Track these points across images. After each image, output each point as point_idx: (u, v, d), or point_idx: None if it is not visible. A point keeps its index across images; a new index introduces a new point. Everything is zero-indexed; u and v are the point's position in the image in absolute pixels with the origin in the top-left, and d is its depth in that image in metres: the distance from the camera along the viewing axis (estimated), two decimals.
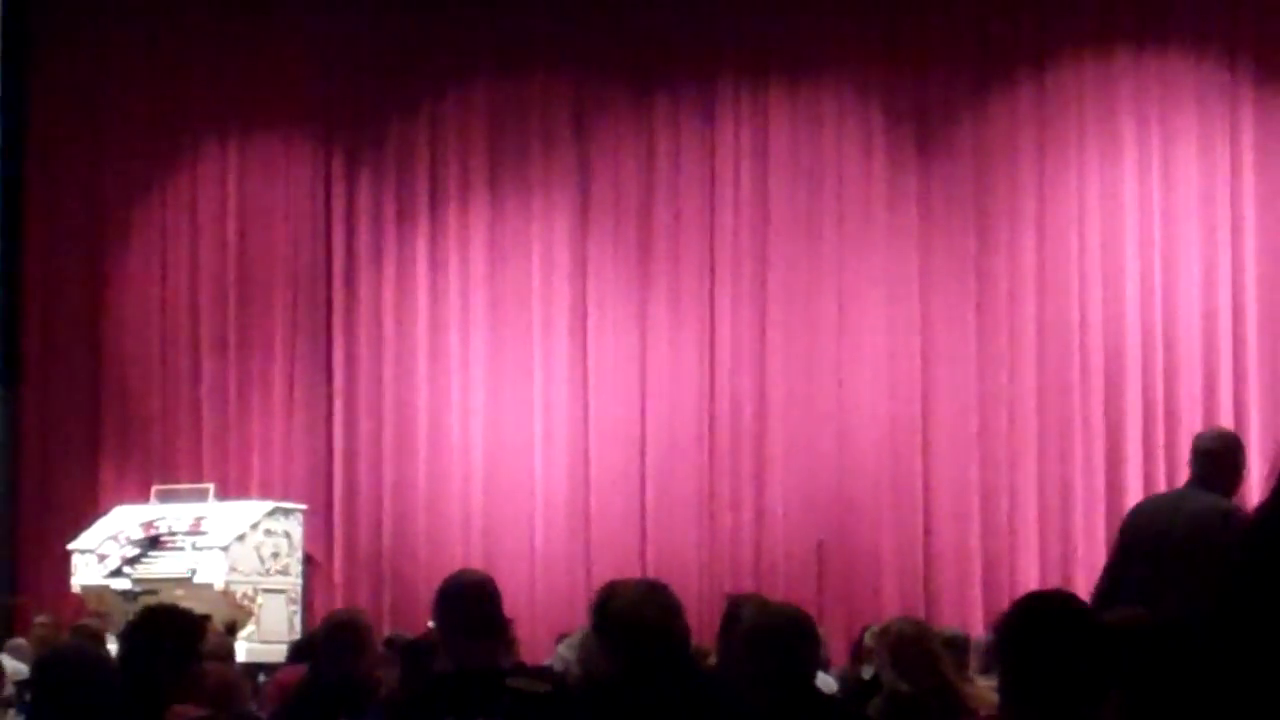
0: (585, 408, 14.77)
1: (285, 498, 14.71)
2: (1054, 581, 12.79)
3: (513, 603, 7.56)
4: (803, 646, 4.80)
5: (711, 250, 14.68)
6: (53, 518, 15.37)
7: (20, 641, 11.38)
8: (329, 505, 15.16)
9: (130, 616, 6.65)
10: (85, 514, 14.92)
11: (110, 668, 5.41)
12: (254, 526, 14.03)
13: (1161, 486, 13.05)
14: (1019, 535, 13.78)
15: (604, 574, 11.60)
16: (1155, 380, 13.65)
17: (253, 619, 13.68)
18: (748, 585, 13.15)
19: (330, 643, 6.55)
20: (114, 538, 14.16)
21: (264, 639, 13.42)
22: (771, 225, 14.53)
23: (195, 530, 14.03)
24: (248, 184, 15.69)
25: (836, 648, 11.98)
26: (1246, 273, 13.59)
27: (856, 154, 14.48)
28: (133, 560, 14.02)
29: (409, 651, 7.23)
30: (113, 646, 7.91)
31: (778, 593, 12.33)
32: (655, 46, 14.95)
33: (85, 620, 11.29)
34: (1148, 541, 6.58)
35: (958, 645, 8.32)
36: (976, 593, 13.71)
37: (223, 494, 14.72)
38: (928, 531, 13.96)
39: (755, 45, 14.70)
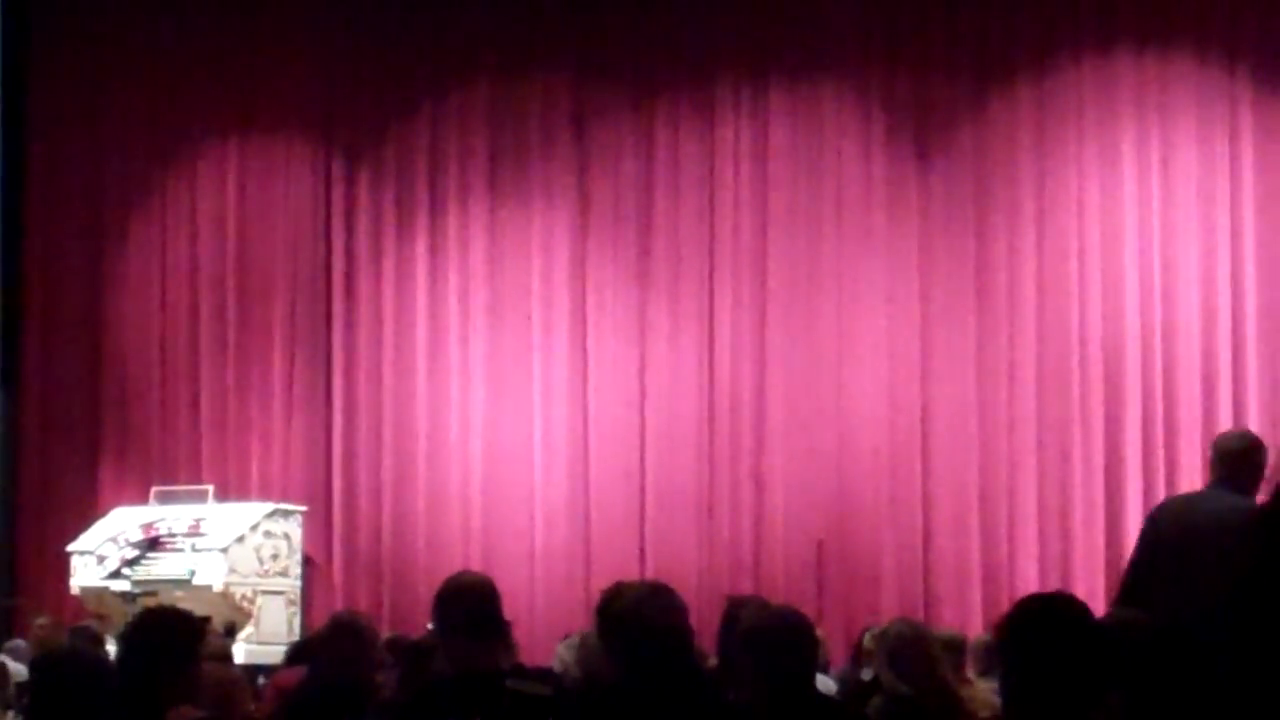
0: (585, 408, 14.76)
1: (285, 499, 14.70)
2: (1053, 583, 12.79)
3: (512, 604, 7.53)
4: (802, 648, 4.81)
5: (711, 251, 14.67)
6: (52, 519, 15.35)
7: (20, 643, 11.35)
8: (328, 507, 15.15)
9: (129, 618, 6.65)
10: (84, 515, 14.90)
11: (108, 669, 5.40)
12: (253, 528, 14.03)
13: (1161, 486, 13.09)
14: (1018, 536, 13.77)
15: (603, 575, 11.61)
16: (1155, 381, 13.63)
17: (252, 621, 13.68)
18: (747, 587, 13.15)
19: (331, 645, 6.55)
20: (113, 539, 14.15)
21: (263, 641, 13.41)
22: (771, 226, 14.51)
23: (194, 532, 14.03)
24: (247, 184, 15.68)
25: (836, 649, 12.00)
26: (1246, 273, 13.58)
27: (856, 155, 14.46)
28: (132, 562, 14.01)
29: (409, 653, 7.24)
30: (112, 648, 7.92)
31: (777, 594, 12.32)
32: (655, 48, 14.94)
33: (84, 622, 11.29)
34: (1172, 540, 6.63)
35: (955, 647, 8.32)
36: (976, 594, 13.70)
37: (222, 495, 14.71)
38: (927, 533, 13.95)
39: (755, 46, 14.69)
